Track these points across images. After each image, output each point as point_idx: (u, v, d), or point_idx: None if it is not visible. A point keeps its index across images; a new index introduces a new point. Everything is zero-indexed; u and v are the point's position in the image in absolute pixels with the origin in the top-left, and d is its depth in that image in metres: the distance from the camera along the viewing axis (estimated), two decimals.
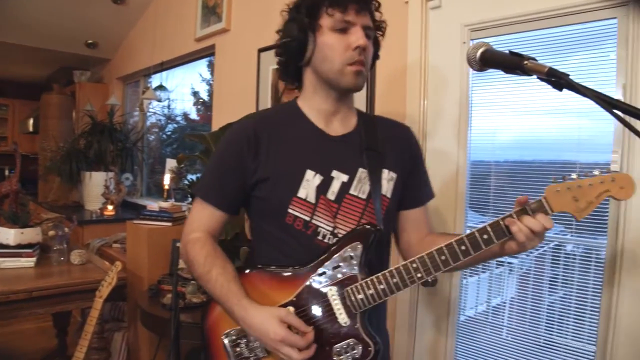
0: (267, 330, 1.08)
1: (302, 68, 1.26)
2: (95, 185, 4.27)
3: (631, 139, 1.50)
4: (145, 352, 2.73)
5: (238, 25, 3.24)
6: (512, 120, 1.85)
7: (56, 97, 5.37)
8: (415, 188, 1.34)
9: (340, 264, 1.14)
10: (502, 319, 1.91)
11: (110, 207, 4.07)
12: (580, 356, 1.66)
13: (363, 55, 1.16)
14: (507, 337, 1.87)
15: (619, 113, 0.71)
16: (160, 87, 4.04)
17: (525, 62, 0.81)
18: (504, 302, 1.92)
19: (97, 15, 4.46)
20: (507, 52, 0.86)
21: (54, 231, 2.73)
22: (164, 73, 4.19)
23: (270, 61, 2.78)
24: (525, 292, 1.84)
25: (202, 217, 1.28)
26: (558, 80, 0.75)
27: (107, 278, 2.16)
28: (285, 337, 1.07)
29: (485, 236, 1.05)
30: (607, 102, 0.70)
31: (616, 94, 1.55)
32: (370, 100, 2.21)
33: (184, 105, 4.74)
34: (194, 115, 4.87)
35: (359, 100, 2.20)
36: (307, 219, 1.19)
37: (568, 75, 0.75)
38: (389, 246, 1.34)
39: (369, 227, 1.16)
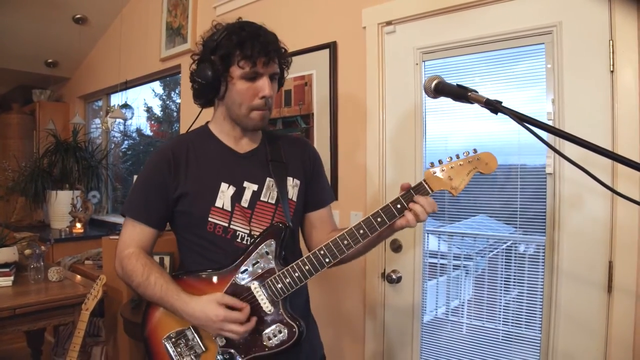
0: (208, 314, 1.23)
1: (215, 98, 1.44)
2: (61, 204, 4.29)
3: (561, 144, 1.75)
4: None
5: None
6: (462, 125, 2.08)
7: (16, 116, 5.33)
8: (318, 192, 1.56)
9: (259, 260, 1.32)
10: (462, 317, 2.14)
11: (78, 225, 4.11)
12: (529, 343, 1.91)
13: (266, 107, 1.35)
14: (466, 332, 2.10)
15: (535, 129, 0.93)
16: (126, 105, 4.13)
17: (469, 93, 1.02)
18: (462, 302, 2.14)
19: (57, 35, 4.49)
20: (455, 84, 1.08)
21: (30, 250, 2.80)
22: (125, 91, 4.27)
23: None
24: (481, 290, 2.07)
25: (133, 234, 1.40)
26: (493, 107, 0.97)
27: (93, 291, 2.27)
28: (226, 315, 1.22)
29: (379, 219, 1.24)
30: (522, 120, 0.92)
31: (547, 107, 1.82)
32: (334, 114, 2.42)
33: (138, 121, 4.82)
34: (147, 131, 4.96)
35: (324, 116, 2.41)
36: (226, 224, 1.37)
37: (501, 102, 0.97)
38: (299, 243, 1.52)
39: (279, 225, 1.35)
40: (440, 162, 1.24)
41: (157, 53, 3.78)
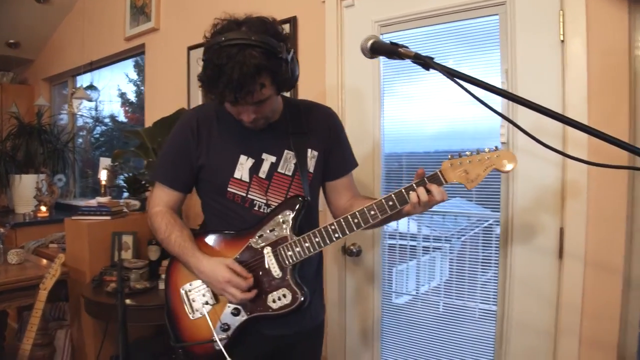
0: (216, 274, 1.35)
1: None
2: (26, 188, 4.20)
3: (514, 110, 1.77)
4: (91, 346, 2.79)
5: (167, 25, 3.34)
6: (421, 109, 2.09)
7: None
8: (339, 160, 1.58)
9: (275, 227, 1.39)
10: (419, 292, 2.19)
11: (43, 209, 4.03)
12: (485, 315, 1.96)
13: (253, 123, 1.34)
14: (421, 306, 2.15)
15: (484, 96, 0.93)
16: (91, 87, 4.04)
17: (400, 49, 1.02)
18: (421, 278, 2.19)
19: (19, 15, 4.36)
20: (389, 42, 1.07)
21: None
22: (92, 74, 4.19)
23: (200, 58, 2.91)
24: (441, 268, 2.13)
25: (161, 195, 1.51)
26: (424, 62, 0.97)
27: (51, 270, 2.24)
28: (230, 278, 1.33)
29: (390, 203, 1.31)
30: (453, 75, 0.92)
31: (500, 77, 1.84)
32: (293, 91, 2.38)
33: (111, 107, 4.74)
34: (122, 117, 4.88)
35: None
36: (243, 194, 1.44)
37: (432, 58, 0.97)
38: (316, 213, 1.59)
39: (297, 197, 1.42)
40: (459, 155, 1.27)
41: (121, 32, 3.70)
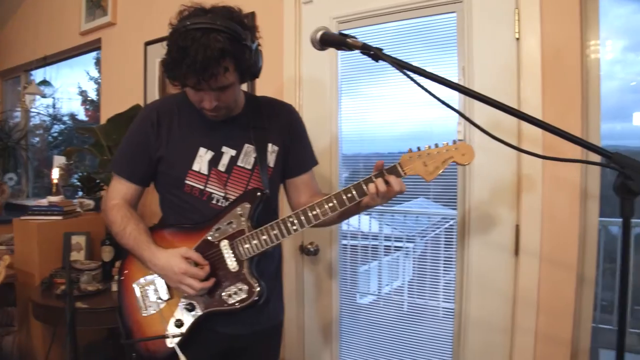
0: (172, 266, 1.31)
1: None
2: None
3: (471, 107, 1.78)
4: (40, 352, 2.68)
5: (124, 19, 3.24)
6: (387, 111, 2.06)
7: None
8: (299, 157, 1.58)
9: (232, 220, 1.37)
10: (379, 290, 2.18)
11: None
12: (447, 313, 1.95)
13: (215, 111, 1.34)
14: (383, 306, 2.13)
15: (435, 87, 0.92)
16: (44, 82, 3.89)
17: (348, 39, 1.00)
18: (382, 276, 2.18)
19: None
20: (338, 33, 1.05)
21: None
22: (49, 69, 4.03)
23: (157, 54, 2.83)
24: (404, 268, 2.13)
25: (119, 189, 1.47)
26: (372, 52, 0.95)
27: None
28: (186, 269, 1.30)
29: (349, 194, 1.30)
30: (403, 67, 0.90)
31: (457, 74, 1.84)
32: (251, 89, 2.33)
33: (70, 105, 4.58)
34: (82, 116, 4.73)
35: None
36: (202, 187, 1.42)
37: (381, 49, 0.95)
38: (276, 208, 1.57)
39: (256, 190, 1.40)
40: (418, 148, 1.29)
41: (76, 26, 3.57)
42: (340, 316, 2.18)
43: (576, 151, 1.56)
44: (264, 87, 2.29)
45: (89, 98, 4.76)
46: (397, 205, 2.12)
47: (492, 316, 1.81)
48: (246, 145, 1.46)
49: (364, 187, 1.28)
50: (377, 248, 2.17)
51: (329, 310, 2.19)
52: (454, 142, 1.28)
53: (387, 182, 1.26)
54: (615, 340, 1.02)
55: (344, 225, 2.17)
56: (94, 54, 3.87)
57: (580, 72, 1.65)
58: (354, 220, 2.18)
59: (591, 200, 1.71)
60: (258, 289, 1.32)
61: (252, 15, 2.36)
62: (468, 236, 1.85)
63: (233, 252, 1.35)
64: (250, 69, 1.31)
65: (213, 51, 1.17)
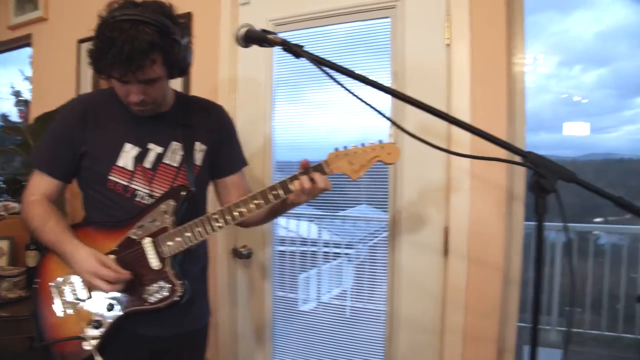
0: (85, 265, 1.27)
1: None
2: None
3: (403, 110, 1.80)
4: None
5: (56, 15, 3.10)
6: (319, 117, 2.07)
7: None
8: (229, 158, 1.57)
9: (156, 217, 1.34)
10: (311, 294, 2.18)
11: None
12: (374, 314, 1.96)
13: (141, 105, 1.31)
14: (323, 310, 2.14)
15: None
16: None
17: (269, 36, 1.00)
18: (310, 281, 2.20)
19: None
20: (260, 30, 1.04)
21: None
22: None
23: None
24: (341, 272, 2.15)
25: (40, 184, 1.42)
26: (292, 50, 0.95)
27: None
28: (96, 270, 1.26)
29: (274, 192, 1.30)
30: (321, 64, 0.90)
31: (389, 78, 1.86)
32: (185, 91, 2.28)
33: (2, 105, 4.34)
34: (15, 117, 4.49)
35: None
36: (126, 184, 1.38)
37: (301, 46, 0.95)
38: (204, 208, 1.54)
39: (181, 187, 1.38)
40: (345, 147, 1.30)
41: (5, 20, 3.40)
42: (273, 319, 2.16)
43: (502, 155, 1.60)
44: (199, 86, 2.25)
45: (22, 98, 4.52)
46: (340, 212, 2.11)
47: (423, 317, 1.84)
48: (173, 143, 1.44)
49: (289, 184, 1.29)
50: (315, 254, 2.17)
51: (261, 314, 2.17)
52: (380, 142, 1.30)
53: (312, 180, 1.28)
54: (532, 337, 1.06)
55: (281, 231, 2.16)
56: (29, 51, 3.69)
57: (506, 78, 1.71)
58: (292, 225, 2.18)
59: (516, 202, 1.77)
60: (180, 287, 1.30)
61: (188, 15, 2.31)
62: (399, 238, 1.87)
63: (156, 250, 1.32)
64: (179, 63, 1.30)
65: (141, 43, 1.16)
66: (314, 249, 2.36)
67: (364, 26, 1.95)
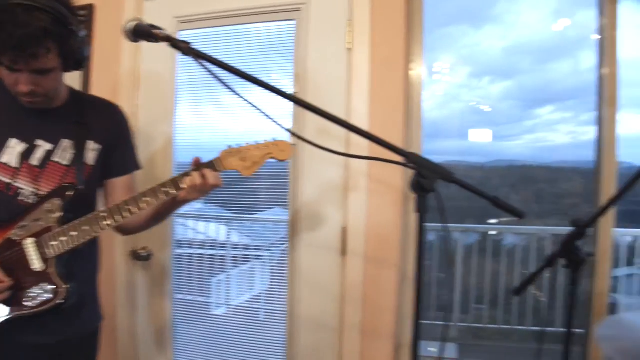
0: None
1: None
2: None
3: (304, 111, 1.83)
4: None
5: None
6: (228, 120, 2.04)
7: None
8: (121, 159, 1.50)
9: (40, 217, 1.27)
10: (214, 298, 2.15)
11: None
12: (278, 315, 1.97)
13: (31, 96, 1.24)
14: (230, 311, 2.14)
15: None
16: None
17: (154, 31, 0.98)
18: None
19: None
20: (148, 24, 1.03)
21: None
22: None
23: None
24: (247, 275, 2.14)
25: None
26: (177, 45, 0.94)
27: None
28: None
29: (163, 189, 1.27)
30: (200, 57, 0.90)
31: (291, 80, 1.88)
32: (85, 89, 2.17)
33: None
34: None
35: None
36: (8, 181, 1.31)
37: (189, 43, 0.95)
38: (93, 207, 1.47)
39: (67, 185, 1.31)
40: (238, 145, 1.29)
41: None
42: (174, 323, 2.11)
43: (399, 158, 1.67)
44: (99, 82, 2.16)
45: None
46: (256, 214, 2.11)
47: (322, 316, 1.87)
48: (64, 140, 1.37)
49: (180, 181, 1.26)
50: (223, 257, 2.14)
51: (162, 317, 2.11)
52: (274, 139, 1.32)
53: (203, 176, 1.26)
54: (414, 331, 1.12)
55: (189, 233, 2.10)
56: None
57: (403, 84, 1.79)
58: (200, 227, 2.14)
59: (412, 202, 1.84)
60: (64, 289, 1.24)
61: (90, 7, 2.21)
62: (298, 238, 1.89)
63: (39, 251, 1.25)
64: (75, 55, 1.25)
65: (34, 29, 1.10)
66: (222, 252, 2.34)
67: (270, 28, 1.96)
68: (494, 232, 3.71)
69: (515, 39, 3.93)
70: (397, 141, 1.72)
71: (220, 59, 1.03)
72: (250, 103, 1.07)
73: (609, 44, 1.83)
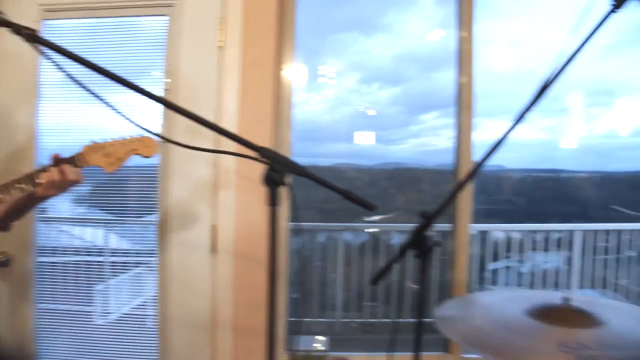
0: None
1: None
2: None
3: (173, 116, 1.79)
4: None
5: None
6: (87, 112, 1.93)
7: None
8: None
9: None
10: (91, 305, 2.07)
11: None
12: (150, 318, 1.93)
13: None
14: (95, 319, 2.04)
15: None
16: None
17: None
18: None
19: None
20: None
21: None
22: None
23: None
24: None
25: None
26: (22, 34, 0.90)
27: None
28: None
29: (17, 185, 1.19)
30: (63, 53, 0.88)
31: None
32: None
33: None
34: None
35: None
36: None
37: (35, 31, 0.91)
38: None
39: None
40: (103, 140, 1.25)
41: None
42: (36, 334, 1.97)
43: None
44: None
45: None
46: (140, 217, 2.03)
47: (195, 314, 1.85)
48: None
49: (36, 177, 1.20)
50: (102, 263, 2.05)
51: (22, 324, 1.96)
52: (140, 135, 1.29)
53: (62, 172, 1.20)
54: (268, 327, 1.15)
55: (64, 237, 1.97)
56: None
57: (272, 85, 1.83)
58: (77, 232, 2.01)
59: (281, 200, 1.90)
60: None
61: None
62: (169, 237, 1.87)
63: None
64: None
65: None
66: (100, 258, 2.21)
67: (142, 22, 1.92)
68: (377, 231, 3.85)
69: (403, 47, 4.15)
70: (265, 139, 1.78)
71: (83, 54, 0.98)
72: (106, 103, 1.05)
73: (466, 55, 2.02)
